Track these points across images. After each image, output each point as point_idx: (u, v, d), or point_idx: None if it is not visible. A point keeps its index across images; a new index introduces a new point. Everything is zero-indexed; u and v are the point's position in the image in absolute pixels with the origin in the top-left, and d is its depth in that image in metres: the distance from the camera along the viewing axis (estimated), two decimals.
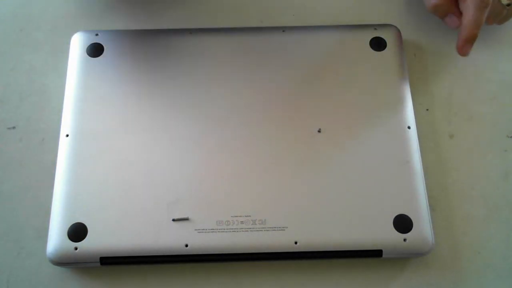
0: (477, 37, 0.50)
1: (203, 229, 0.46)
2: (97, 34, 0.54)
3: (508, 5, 0.52)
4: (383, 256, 0.47)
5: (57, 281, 0.48)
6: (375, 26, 0.55)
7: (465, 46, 0.51)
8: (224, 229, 0.47)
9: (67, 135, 0.50)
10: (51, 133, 0.52)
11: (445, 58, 0.57)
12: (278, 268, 0.48)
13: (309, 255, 0.47)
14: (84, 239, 0.46)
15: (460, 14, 0.52)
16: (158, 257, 0.46)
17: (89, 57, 0.53)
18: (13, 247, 0.49)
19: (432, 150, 0.53)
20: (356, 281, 0.48)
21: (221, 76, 0.53)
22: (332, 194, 0.48)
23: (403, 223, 0.47)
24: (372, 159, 0.49)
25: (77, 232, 0.46)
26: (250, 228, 0.47)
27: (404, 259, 0.49)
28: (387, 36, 0.55)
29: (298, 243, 0.46)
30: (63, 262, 0.46)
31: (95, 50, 0.54)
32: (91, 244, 0.46)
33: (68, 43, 0.54)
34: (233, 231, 0.46)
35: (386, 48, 0.54)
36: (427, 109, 0.55)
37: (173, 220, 0.47)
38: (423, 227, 0.47)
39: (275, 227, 0.47)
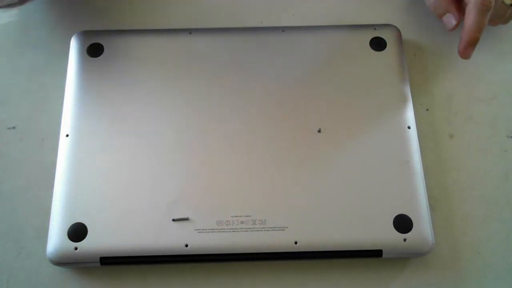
0: (479, 40, 0.50)
1: (203, 229, 0.46)
2: (97, 34, 0.54)
3: (511, 5, 0.52)
4: (383, 256, 0.47)
5: (57, 281, 0.48)
6: (375, 26, 0.55)
7: (467, 49, 0.50)
8: (224, 229, 0.47)
9: (67, 135, 0.50)
10: (51, 133, 0.52)
11: (445, 58, 0.57)
12: (278, 268, 0.49)
13: (309, 255, 0.47)
14: (84, 239, 0.46)
15: (458, 14, 0.52)
16: (158, 257, 0.46)
17: (89, 57, 0.53)
18: (13, 247, 0.49)
19: (432, 150, 0.53)
20: (356, 281, 0.48)
21: (221, 76, 0.53)
22: (332, 194, 0.48)
23: (403, 223, 0.47)
24: (372, 159, 0.49)
25: (77, 232, 0.46)
26: (250, 228, 0.47)
27: (404, 259, 0.49)
28: (387, 36, 0.55)
29: (298, 243, 0.46)
30: (63, 262, 0.46)
31: (95, 50, 0.54)
32: (91, 244, 0.46)
33: (68, 43, 0.54)
34: (233, 231, 0.46)
35: (386, 48, 0.54)
36: (427, 109, 0.55)
37: (173, 220, 0.47)
38: (423, 227, 0.47)
39: (275, 227, 0.47)
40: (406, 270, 0.49)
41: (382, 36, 0.55)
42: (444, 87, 0.56)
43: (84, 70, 0.53)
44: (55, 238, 0.46)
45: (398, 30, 0.56)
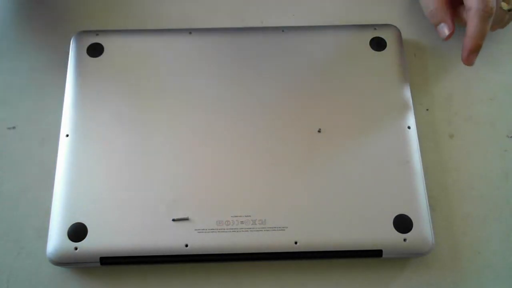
0: (481, 47, 0.50)
1: (203, 229, 0.46)
2: (97, 34, 0.54)
3: (510, 10, 0.52)
4: (383, 256, 0.47)
5: (57, 281, 0.48)
6: (375, 26, 0.55)
7: (470, 57, 0.51)
8: (224, 229, 0.47)
9: (67, 135, 0.50)
10: (51, 133, 0.52)
11: (445, 58, 0.57)
12: (278, 268, 0.49)
13: (309, 255, 0.47)
14: (84, 239, 0.46)
15: (452, 25, 0.52)
16: (158, 257, 0.46)
17: (89, 57, 0.53)
18: (13, 247, 0.49)
19: (432, 150, 0.53)
20: (356, 281, 0.48)
21: (221, 76, 0.53)
22: (332, 194, 0.48)
23: (403, 223, 0.47)
24: (372, 159, 0.49)
25: (77, 232, 0.46)
26: (250, 228, 0.47)
27: (404, 259, 0.49)
28: (387, 36, 0.55)
29: (298, 243, 0.46)
30: (63, 262, 0.46)
31: (95, 50, 0.54)
32: (91, 244, 0.46)
33: (68, 43, 0.54)
34: (233, 231, 0.46)
35: (386, 48, 0.54)
36: (427, 109, 0.55)
37: (173, 220, 0.47)
38: (423, 227, 0.47)
39: (275, 227, 0.47)
40: (406, 270, 0.49)
41: (382, 36, 0.55)
42: (444, 87, 0.56)
43: (84, 70, 0.53)
44: (55, 238, 0.46)
45: (398, 30, 0.56)
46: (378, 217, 0.47)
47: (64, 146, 0.49)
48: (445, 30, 0.53)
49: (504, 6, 0.52)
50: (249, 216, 0.47)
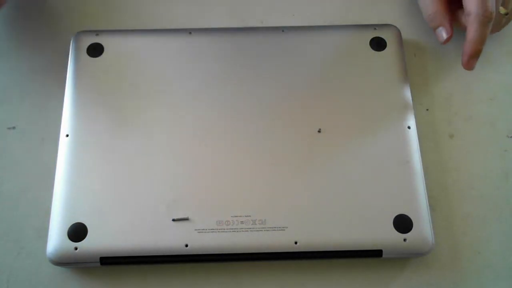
0: (481, 52, 0.50)
1: (203, 229, 0.46)
2: (97, 34, 0.54)
3: (506, 14, 0.53)
4: (383, 256, 0.47)
5: (57, 281, 0.48)
6: (375, 26, 0.55)
7: (470, 61, 0.51)
8: (224, 229, 0.47)
9: (67, 135, 0.50)
10: (51, 133, 0.52)
11: (445, 58, 0.57)
12: (278, 268, 0.48)
13: (309, 255, 0.47)
14: (84, 239, 0.46)
15: (450, 29, 0.53)
16: (158, 257, 0.46)
17: (89, 57, 0.53)
18: (13, 247, 0.49)
19: (432, 150, 0.53)
20: (356, 281, 0.48)
21: (221, 76, 0.53)
22: (332, 194, 0.48)
23: (403, 223, 0.47)
24: (372, 159, 0.49)
25: (77, 232, 0.46)
26: (250, 228, 0.47)
27: (404, 259, 0.49)
28: (387, 36, 0.55)
29: (298, 243, 0.46)
30: (63, 262, 0.46)
31: (95, 50, 0.54)
32: (91, 244, 0.46)
33: (68, 43, 0.54)
34: (233, 231, 0.46)
35: (386, 48, 0.54)
36: (427, 109, 0.55)
37: (173, 220, 0.47)
38: (423, 227, 0.47)
39: (275, 227, 0.47)
40: (406, 270, 0.49)
41: (382, 36, 0.55)
42: (444, 87, 0.56)
43: (84, 70, 0.53)
44: (55, 238, 0.46)
45: (398, 30, 0.56)
46: (378, 217, 0.47)
47: (64, 146, 0.49)
48: (443, 34, 0.53)
49: (502, 10, 0.53)
50: (249, 216, 0.47)
